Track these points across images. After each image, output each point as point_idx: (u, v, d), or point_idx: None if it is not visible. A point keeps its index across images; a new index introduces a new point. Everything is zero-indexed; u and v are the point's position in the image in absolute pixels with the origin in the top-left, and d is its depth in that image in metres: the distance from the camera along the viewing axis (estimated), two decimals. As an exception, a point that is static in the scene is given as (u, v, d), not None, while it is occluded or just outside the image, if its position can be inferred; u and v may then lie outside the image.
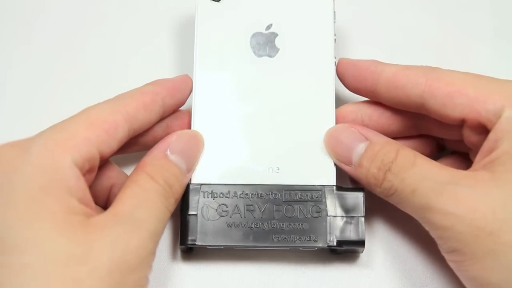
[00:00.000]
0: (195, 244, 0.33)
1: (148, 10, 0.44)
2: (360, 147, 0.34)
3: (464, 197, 0.30)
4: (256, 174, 0.34)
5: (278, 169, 0.34)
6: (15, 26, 0.43)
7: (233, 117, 0.35)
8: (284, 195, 0.34)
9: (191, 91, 0.36)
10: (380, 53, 0.40)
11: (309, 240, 0.33)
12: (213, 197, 0.34)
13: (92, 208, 0.31)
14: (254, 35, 0.36)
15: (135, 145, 0.36)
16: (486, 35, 0.43)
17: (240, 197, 0.34)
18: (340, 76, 0.36)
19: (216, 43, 0.35)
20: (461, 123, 0.33)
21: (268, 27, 0.36)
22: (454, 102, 0.32)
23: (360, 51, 0.41)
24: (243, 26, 0.36)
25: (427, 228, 0.32)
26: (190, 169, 0.34)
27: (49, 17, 0.43)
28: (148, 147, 0.35)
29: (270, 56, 0.36)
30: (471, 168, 0.32)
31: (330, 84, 0.35)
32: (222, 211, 0.34)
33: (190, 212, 0.34)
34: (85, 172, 0.31)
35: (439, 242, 0.32)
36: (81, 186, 0.30)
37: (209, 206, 0.34)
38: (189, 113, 0.36)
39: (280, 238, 0.33)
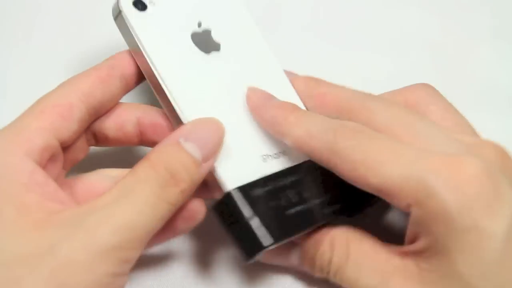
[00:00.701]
0: (273, 243, 0.30)
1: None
2: (294, 253, 0.33)
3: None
4: (267, 162, 0.33)
5: (276, 154, 0.33)
6: (15, 26, 0.43)
7: (215, 114, 0.32)
8: (309, 171, 0.33)
9: None
10: (380, 53, 0.40)
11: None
12: (258, 195, 0.31)
13: (62, 201, 0.29)
14: (192, 35, 0.35)
15: (107, 141, 0.34)
16: (486, 35, 0.43)
17: (281, 185, 0.32)
18: (251, 113, 0.34)
19: (165, 49, 0.34)
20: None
21: (199, 24, 0.35)
22: (360, 183, 0.30)
23: (360, 51, 0.41)
24: (179, 28, 0.34)
25: None
26: (208, 158, 0.30)
27: (49, 17, 0.44)
28: (121, 143, 0.34)
29: (216, 50, 0.35)
30: (403, 249, 0.31)
31: (277, 65, 0.35)
32: (276, 204, 0.31)
33: (247, 216, 0.30)
34: (46, 163, 0.30)
35: None
36: (39, 179, 0.29)
37: (260, 205, 0.31)
38: (161, 111, 0.33)
39: (336, 208, 0.33)
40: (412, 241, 0.30)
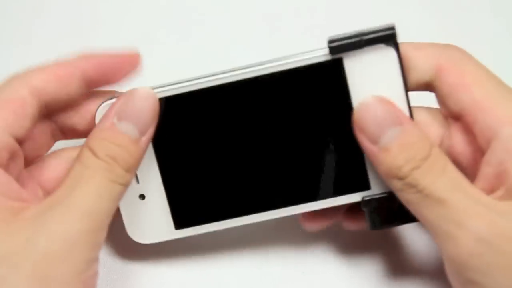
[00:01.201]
0: None
1: (148, 9, 0.44)
2: (393, 131, 0.30)
3: (500, 226, 0.27)
4: None
5: None
6: (15, 26, 0.43)
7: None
8: None
9: (132, 69, 0.33)
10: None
11: None
12: None
13: (25, 199, 0.29)
14: None
15: (78, 135, 0.34)
16: (486, 35, 0.43)
17: None
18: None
19: None
20: (458, 118, 0.31)
21: None
22: (459, 96, 0.30)
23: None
24: None
25: (447, 248, 0.29)
26: (143, 132, 0.31)
27: (49, 17, 0.44)
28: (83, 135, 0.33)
29: None
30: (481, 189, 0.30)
31: None
32: None
33: None
34: (6, 162, 0.29)
35: (457, 268, 0.28)
36: (0, 180, 0.29)
37: None
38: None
39: None
40: (496, 181, 0.29)
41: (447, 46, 0.32)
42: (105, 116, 0.31)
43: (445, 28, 0.43)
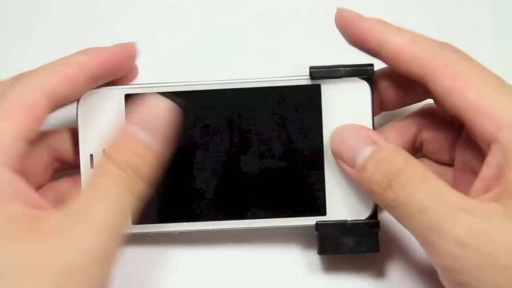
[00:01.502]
0: None
1: (148, 9, 0.44)
2: (367, 150, 0.31)
3: (479, 228, 0.28)
4: None
5: None
6: (15, 26, 0.43)
7: None
8: None
9: (131, 61, 0.34)
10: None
11: None
12: None
13: (41, 206, 0.29)
14: None
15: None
16: (486, 35, 0.43)
17: None
18: (340, 28, 0.34)
19: None
20: (458, 118, 0.31)
21: None
22: (453, 100, 0.30)
23: (359, 51, 0.41)
24: None
25: (431, 254, 0.29)
26: (162, 142, 0.31)
27: (49, 17, 0.43)
28: None
29: None
30: (473, 194, 0.30)
31: None
32: None
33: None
34: (21, 168, 0.29)
35: (443, 272, 0.29)
36: (19, 187, 0.29)
37: None
38: None
39: None
40: (490, 183, 0.29)
41: (443, 46, 0.32)
42: (126, 124, 0.30)
43: (444, 28, 0.43)
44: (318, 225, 0.33)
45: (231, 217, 0.34)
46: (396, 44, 0.32)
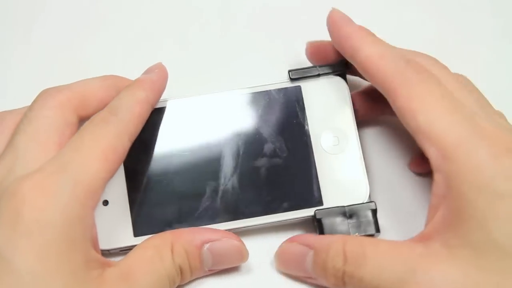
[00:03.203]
0: None
1: (148, 9, 0.44)
2: (308, 258, 0.32)
3: (426, 286, 0.28)
4: None
5: None
6: (15, 26, 0.43)
7: None
8: None
9: (167, 80, 0.35)
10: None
11: None
12: None
13: (99, 251, 0.31)
14: None
15: None
16: (486, 35, 0.43)
17: None
18: (328, 29, 0.35)
19: None
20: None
21: None
22: (406, 121, 0.31)
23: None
24: None
25: None
26: (212, 271, 0.34)
27: (49, 17, 0.43)
28: None
29: None
30: (426, 231, 0.30)
31: None
32: None
33: None
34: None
35: None
36: (94, 233, 0.31)
37: None
38: None
39: None
40: (435, 213, 0.30)
41: (409, 64, 0.32)
42: (201, 233, 0.33)
43: (444, 28, 0.43)
44: (316, 214, 0.34)
45: (231, 218, 0.35)
46: (366, 55, 0.33)
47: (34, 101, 0.32)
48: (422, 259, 0.29)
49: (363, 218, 0.34)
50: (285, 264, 0.34)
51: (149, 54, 0.42)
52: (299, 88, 0.36)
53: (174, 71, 0.41)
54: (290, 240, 0.33)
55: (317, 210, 0.34)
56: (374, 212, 0.34)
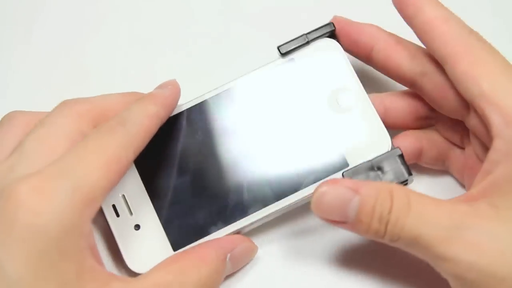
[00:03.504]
0: None
1: (148, 9, 0.44)
2: (354, 203, 0.30)
3: (471, 242, 0.28)
4: None
5: None
6: (15, 26, 0.43)
7: None
8: None
9: (179, 96, 0.35)
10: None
11: None
12: None
13: (101, 263, 0.31)
14: None
15: None
16: (486, 35, 0.43)
17: None
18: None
19: None
20: (464, 111, 0.32)
21: None
22: (467, 86, 0.31)
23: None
24: None
25: (438, 270, 0.30)
26: (230, 272, 0.34)
27: (49, 17, 0.44)
28: None
29: None
30: (471, 193, 0.30)
31: None
32: None
33: None
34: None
35: (452, 284, 0.30)
36: (92, 241, 0.30)
37: None
38: None
39: None
40: (485, 177, 0.30)
41: (471, 32, 0.32)
42: (223, 246, 0.33)
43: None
44: (344, 175, 0.33)
45: (262, 205, 0.34)
46: (429, 17, 0.32)
47: (52, 110, 0.32)
48: (467, 216, 0.29)
49: (392, 166, 0.33)
50: (325, 207, 0.31)
51: (150, 54, 0.42)
52: (292, 60, 0.36)
53: (174, 71, 0.41)
54: (331, 183, 0.31)
55: (344, 171, 0.33)
56: (402, 157, 0.33)
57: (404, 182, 0.33)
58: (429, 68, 0.34)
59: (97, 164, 0.29)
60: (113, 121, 0.31)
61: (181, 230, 0.34)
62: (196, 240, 0.34)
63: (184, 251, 0.32)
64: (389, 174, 0.33)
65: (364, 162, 0.33)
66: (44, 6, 0.44)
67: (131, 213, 0.34)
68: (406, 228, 0.29)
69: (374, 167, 0.33)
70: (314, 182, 0.34)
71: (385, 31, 0.35)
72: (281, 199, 0.34)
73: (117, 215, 0.34)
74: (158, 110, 0.33)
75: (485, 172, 0.30)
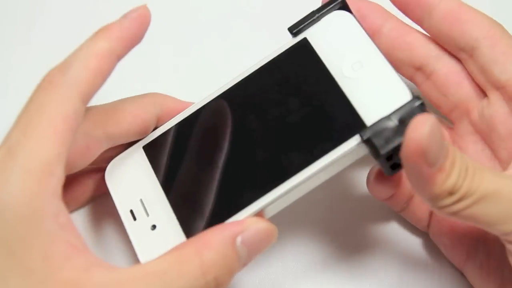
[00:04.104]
0: None
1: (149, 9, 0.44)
2: (445, 148, 0.27)
3: None
4: None
5: None
6: (15, 26, 0.43)
7: None
8: None
9: (147, 28, 0.31)
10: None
11: None
12: None
13: (80, 244, 0.26)
14: None
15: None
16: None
17: None
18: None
19: None
20: (500, 87, 0.32)
21: None
22: (506, 66, 0.31)
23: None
24: None
25: (505, 236, 0.28)
26: (247, 263, 0.29)
27: (50, 17, 0.44)
28: None
29: None
30: None
31: None
32: None
33: None
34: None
35: None
36: (63, 221, 0.26)
37: None
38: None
39: None
40: None
41: (493, 20, 0.33)
42: (229, 229, 0.28)
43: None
44: (363, 136, 0.30)
45: (278, 183, 0.31)
46: (446, 8, 0.32)
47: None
48: None
49: (412, 114, 0.30)
50: (428, 145, 0.27)
51: (150, 55, 0.42)
52: (305, 40, 0.34)
53: (174, 71, 0.41)
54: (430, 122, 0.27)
55: (361, 132, 0.30)
56: (423, 106, 0.30)
57: None
58: (444, 53, 0.34)
59: (43, 133, 0.26)
60: (54, 70, 0.28)
61: (196, 222, 0.32)
62: (208, 225, 0.32)
63: (189, 239, 0.29)
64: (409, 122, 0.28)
65: (382, 119, 0.30)
66: (44, 6, 0.44)
67: (147, 215, 0.34)
68: (486, 181, 0.27)
69: (394, 120, 0.30)
70: (331, 150, 0.31)
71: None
72: (296, 173, 0.31)
73: (134, 219, 0.34)
74: (112, 45, 0.29)
75: None
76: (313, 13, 0.34)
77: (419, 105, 0.30)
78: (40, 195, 0.25)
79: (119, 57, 0.29)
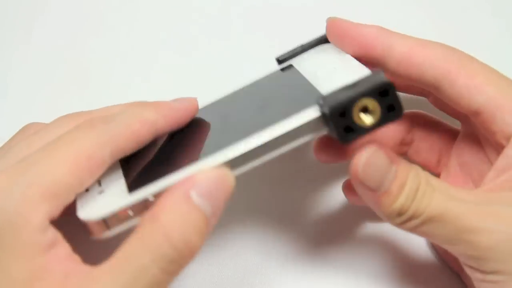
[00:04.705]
0: None
1: (149, 10, 0.44)
2: (391, 172, 0.29)
3: (503, 216, 0.28)
4: None
5: None
6: (15, 26, 0.43)
7: None
8: None
9: (192, 116, 0.33)
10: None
11: None
12: None
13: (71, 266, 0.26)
14: None
15: None
16: (486, 35, 0.43)
17: None
18: (334, 38, 0.33)
19: None
20: (475, 115, 0.32)
21: None
22: (471, 97, 0.31)
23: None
24: None
25: (462, 252, 0.29)
26: (215, 214, 0.27)
27: (49, 17, 0.44)
28: None
29: None
30: (485, 187, 0.31)
31: None
32: None
33: None
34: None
35: (476, 264, 0.29)
36: (52, 238, 0.26)
37: None
38: None
39: None
40: (502, 174, 0.30)
41: (453, 49, 0.32)
42: (179, 187, 0.27)
43: (444, 29, 0.43)
44: (319, 102, 0.29)
45: (227, 144, 0.30)
46: (406, 47, 0.32)
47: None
48: (493, 197, 0.29)
49: (370, 79, 0.29)
50: (369, 171, 0.29)
51: (150, 55, 0.43)
52: (290, 65, 0.35)
53: (174, 71, 0.41)
54: (376, 149, 0.29)
55: (318, 101, 0.29)
56: (382, 75, 0.29)
57: (384, 91, 0.28)
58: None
59: (64, 159, 0.27)
60: (98, 117, 0.29)
61: (140, 176, 0.30)
62: (153, 180, 0.29)
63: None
64: (362, 85, 0.28)
65: (339, 89, 0.29)
66: (44, 6, 0.44)
67: (99, 185, 0.30)
68: (433, 203, 0.28)
69: (349, 89, 0.29)
70: (290, 116, 0.29)
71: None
72: (248, 136, 0.29)
73: (87, 190, 0.30)
74: (157, 118, 0.30)
75: (500, 170, 0.31)
76: (299, 47, 0.36)
77: (377, 73, 0.29)
78: (36, 210, 0.26)
79: (158, 132, 0.31)
